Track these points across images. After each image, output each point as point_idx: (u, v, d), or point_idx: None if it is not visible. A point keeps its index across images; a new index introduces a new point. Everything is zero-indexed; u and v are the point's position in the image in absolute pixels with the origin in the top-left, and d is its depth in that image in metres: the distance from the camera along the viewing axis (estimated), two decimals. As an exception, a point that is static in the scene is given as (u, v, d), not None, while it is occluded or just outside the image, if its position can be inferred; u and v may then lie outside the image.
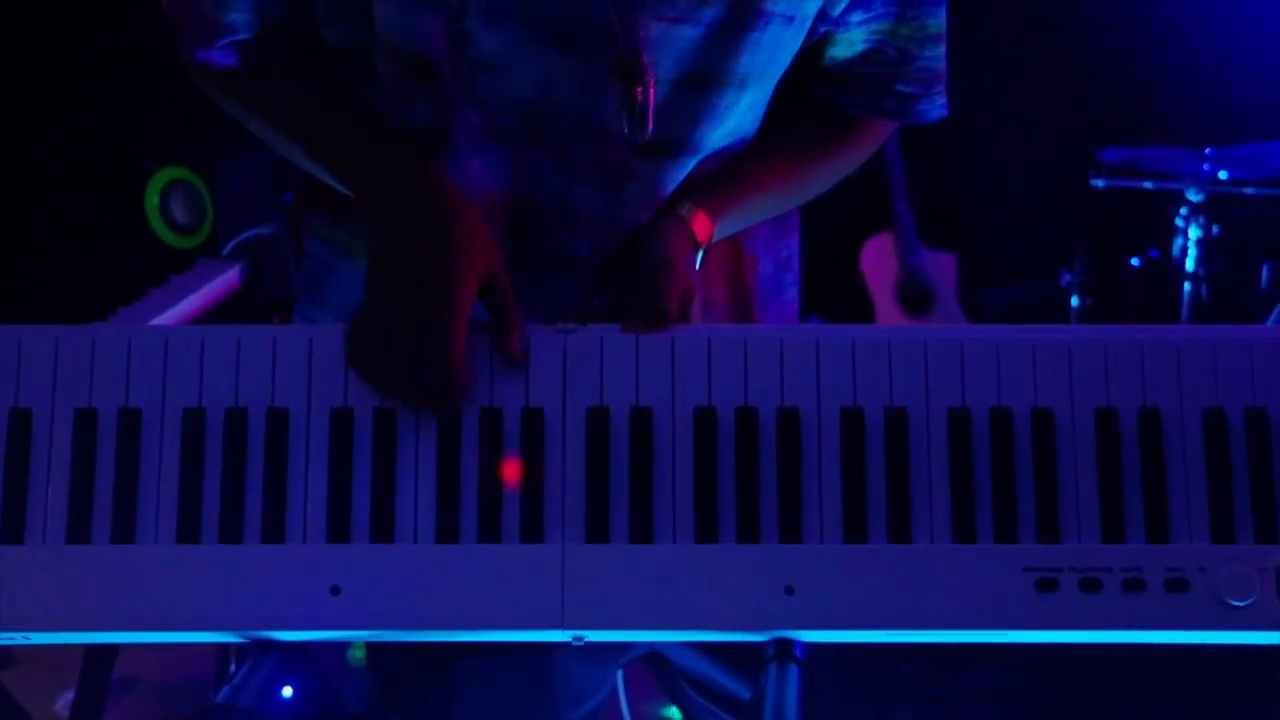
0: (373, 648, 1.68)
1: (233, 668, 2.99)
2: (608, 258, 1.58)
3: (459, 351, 1.39)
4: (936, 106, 1.67)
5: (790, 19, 1.52)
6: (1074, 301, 4.48)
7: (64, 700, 3.11)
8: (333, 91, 1.55)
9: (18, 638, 1.35)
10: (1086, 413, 1.40)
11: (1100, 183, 4.32)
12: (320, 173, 1.57)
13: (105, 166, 3.48)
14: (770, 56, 1.54)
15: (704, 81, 1.52)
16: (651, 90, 1.48)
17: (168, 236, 3.29)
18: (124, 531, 1.36)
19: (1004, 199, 4.80)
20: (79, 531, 1.37)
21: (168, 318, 2.81)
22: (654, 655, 1.72)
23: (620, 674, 1.94)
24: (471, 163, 1.53)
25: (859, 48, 1.60)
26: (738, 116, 1.57)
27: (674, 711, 1.81)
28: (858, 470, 1.38)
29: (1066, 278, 4.48)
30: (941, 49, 1.63)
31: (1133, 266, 4.40)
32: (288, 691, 2.86)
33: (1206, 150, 4.14)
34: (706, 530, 1.37)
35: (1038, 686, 1.55)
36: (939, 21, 1.61)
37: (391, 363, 1.40)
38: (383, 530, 1.37)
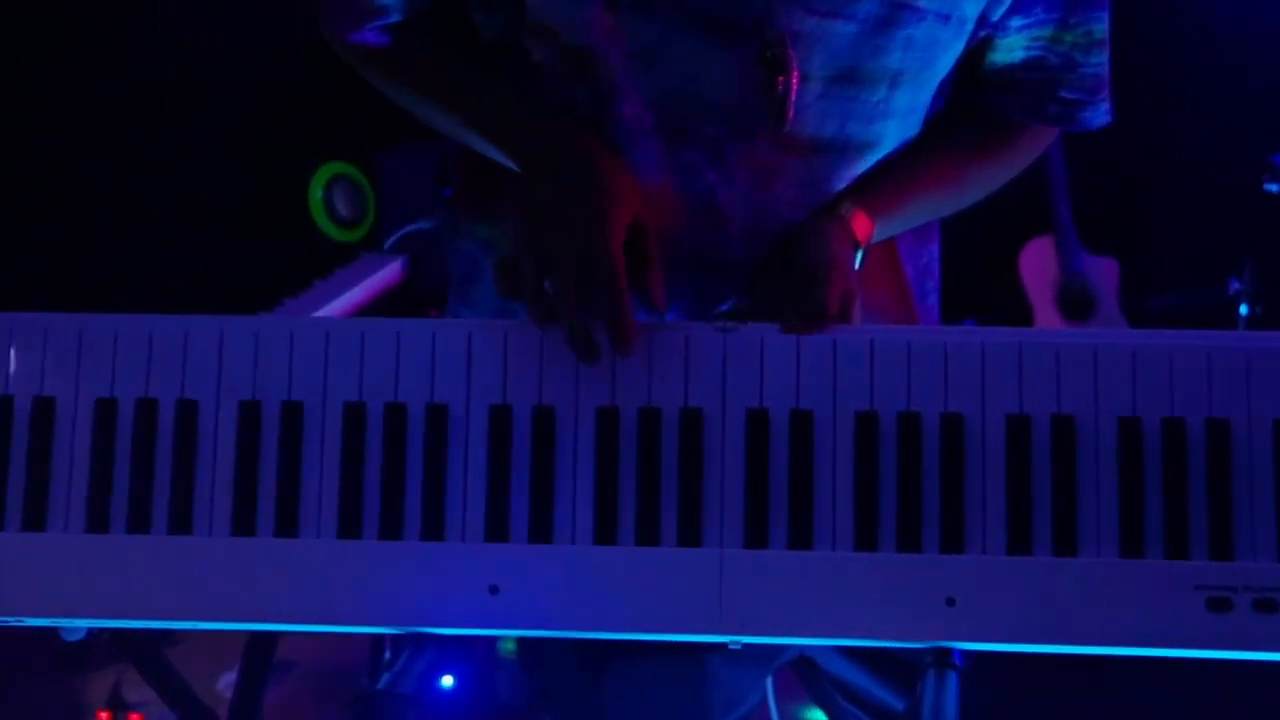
0: (524, 645, 1.69)
1: (387, 654, 3.03)
2: (758, 259, 1.56)
3: (619, 269, 1.37)
4: (1101, 113, 1.64)
5: (946, 18, 1.50)
6: (1243, 310, 4.37)
7: (225, 680, 3.18)
8: (481, 60, 1.58)
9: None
10: (1265, 424, 1.35)
11: (1273, 187, 4.22)
12: (470, 138, 1.59)
13: (271, 161, 3.55)
14: (926, 55, 1.51)
15: (856, 78, 1.50)
16: (794, 81, 1.47)
17: (330, 230, 3.35)
18: (287, 525, 1.37)
19: (1171, 203, 4.70)
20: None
21: (330, 310, 2.85)
22: (802, 660, 1.70)
23: (770, 679, 1.93)
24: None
25: (1019, 54, 1.58)
26: (897, 119, 1.55)
27: (817, 714, 1.79)
28: (1023, 480, 1.35)
29: (1235, 285, 4.38)
30: (1105, 55, 1.60)
31: (1306, 275, 4.29)
32: (448, 680, 2.89)
33: (1386, 154, 4.02)
34: (866, 538, 1.35)
35: (1201, 704, 1.51)
36: (1103, 27, 1.58)
37: (554, 288, 1.37)
38: (541, 531, 1.37)
